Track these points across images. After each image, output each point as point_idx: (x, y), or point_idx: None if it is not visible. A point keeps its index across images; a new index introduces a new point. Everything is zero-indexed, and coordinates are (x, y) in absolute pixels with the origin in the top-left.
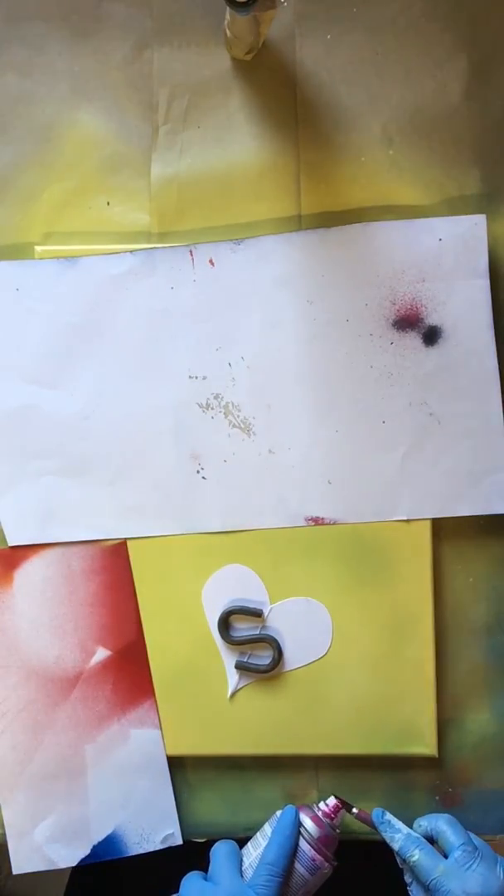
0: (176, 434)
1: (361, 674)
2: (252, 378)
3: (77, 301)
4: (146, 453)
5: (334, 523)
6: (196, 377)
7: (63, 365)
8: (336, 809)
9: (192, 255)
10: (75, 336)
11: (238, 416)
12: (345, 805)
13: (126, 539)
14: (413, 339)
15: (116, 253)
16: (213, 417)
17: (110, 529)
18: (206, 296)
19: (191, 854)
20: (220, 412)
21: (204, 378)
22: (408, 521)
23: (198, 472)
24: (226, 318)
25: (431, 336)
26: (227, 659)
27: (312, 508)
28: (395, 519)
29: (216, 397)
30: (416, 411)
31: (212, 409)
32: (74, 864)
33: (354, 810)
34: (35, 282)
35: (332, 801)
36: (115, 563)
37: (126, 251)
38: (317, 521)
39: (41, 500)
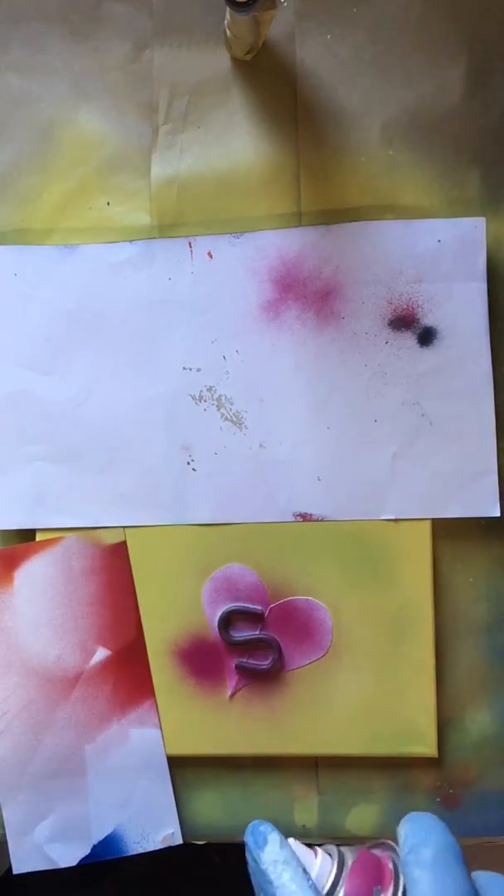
0: (167, 425)
1: (361, 674)
2: (246, 372)
3: (74, 288)
4: (137, 443)
5: (322, 520)
6: (190, 369)
7: (58, 351)
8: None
9: (190, 246)
10: (71, 323)
11: (230, 410)
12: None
13: (123, 533)
14: (408, 340)
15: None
16: (205, 410)
17: (99, 517)
18: (204, 288)
19: (189, 854)
20: (213, 405)
21: (198, 370)
22: (407, 520)
23: (188, 463)
24: (222, 311)
25: (427, 337)
26: (227, 659)
27: (301, 504)
28: (382, 518)
29: (209, 389)
30: (409, 412)
31: (204, 401)
32: (75, 863)
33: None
34: (33, 268)
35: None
36: (115, 562)
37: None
38: (304, 518)
39: (30, 486)
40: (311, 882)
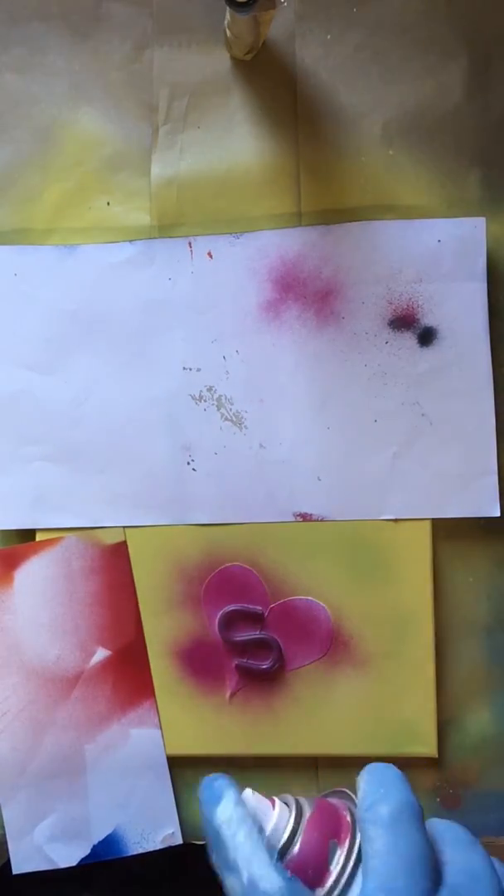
0: (168, 425)
1: (361, 673)
2: (246, 372)
3: (75, 288)
4: (138, 443)
5: (322, 520)
6: (190, 369)
7: (58, 352)
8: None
9: (190, 246)
10: (71, 323)
11: (230, 410)
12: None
13: (123, 533)
14: (408, 340)
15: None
16: (205, 410)
17: (100, 517)
18: (204, 288)
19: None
20: (213, 405)
21: (198, 370)
22: (407, 520)
23: (188, 463)
24: (222, 311)
25: (426, 337)
26: (227, 659)
27: (301, 504)
28: (382, 518)
29: (209, 389)
30: (409, 411)
31: (204, 401)
32: (75, 863)
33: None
34: (33, 268)
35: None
36: (115, 562)
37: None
38: (305, 518)
39: (31, 486)
40: (265, 839)
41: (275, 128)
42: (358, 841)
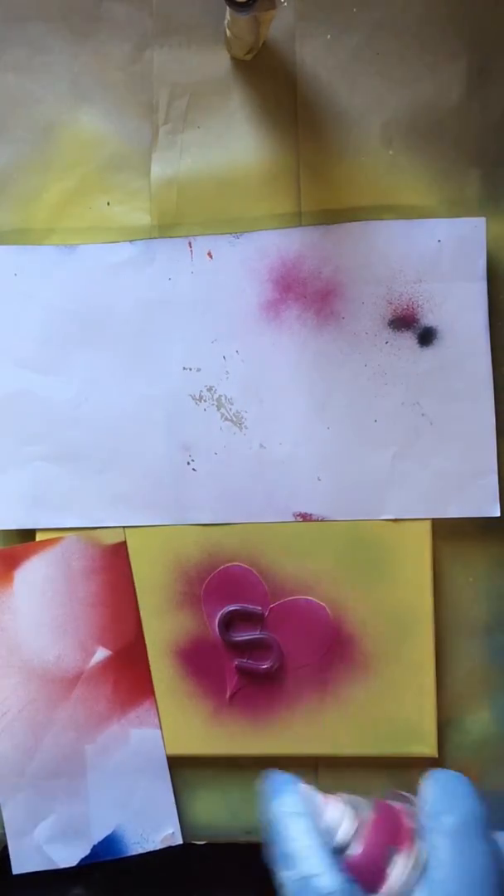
0: (168, 425)
1: (361, 674)
2: (246, 372)
3: (74, 288)
4: (137, 443)
5: (322, 520)
6: (190, 369)
7: (58, 352)
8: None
9: (190, 246)
10: (71, 323)
11: (230, 410)
12: None
13: (123, 533)
14: (408, 340)
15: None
16: (205, 410)
17: (100, 518)
18: (204, 288)
19: (189, 855)
20: (213, 405)
21: (198, 370)
22: (407, 520)
23: (188, 463)
24: (222, 311)
25: (427, 337)
26: (227, 659)
27: (301, 504)
28: (382, 518)
29: (209, 390)
30: (409, 411)
31: (204, 401)
32: (75, 863)
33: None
34: (33, 267)
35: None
36: (115, 562)
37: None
38: (304, 518)
39: (30, 486)
40: (322, 836)
41: (275, 128)
42: (419, 849)
